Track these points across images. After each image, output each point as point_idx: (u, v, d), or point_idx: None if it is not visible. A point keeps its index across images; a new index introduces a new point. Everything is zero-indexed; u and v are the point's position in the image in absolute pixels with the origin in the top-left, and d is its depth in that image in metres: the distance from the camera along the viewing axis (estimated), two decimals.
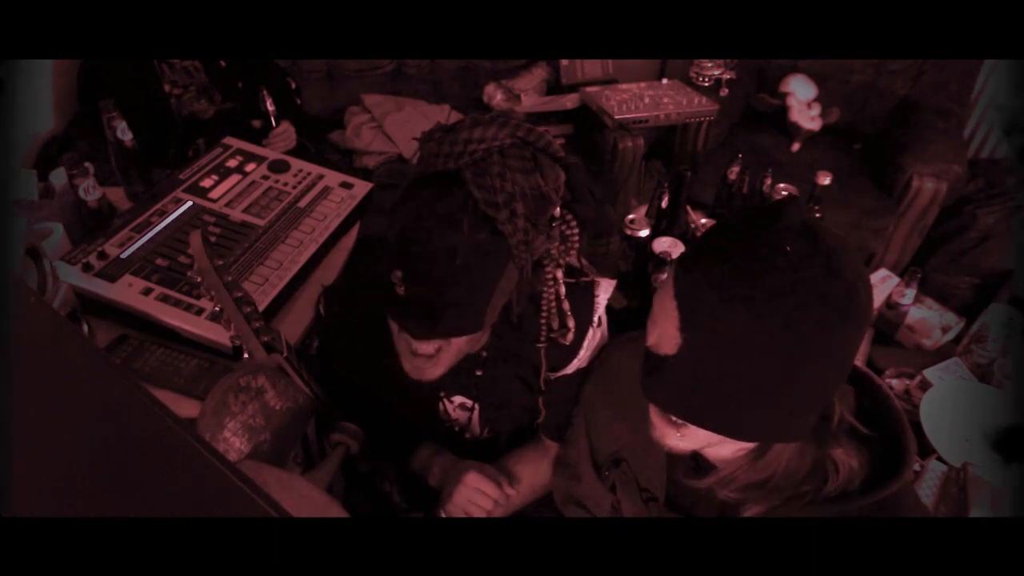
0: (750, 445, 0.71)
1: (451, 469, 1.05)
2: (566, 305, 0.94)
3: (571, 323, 0.94)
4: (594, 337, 1.04)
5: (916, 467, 1.32)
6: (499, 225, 0.80)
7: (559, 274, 0.92)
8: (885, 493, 0.68)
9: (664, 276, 1.27)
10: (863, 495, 0.69)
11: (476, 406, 1.08)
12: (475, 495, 1.01)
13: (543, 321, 0.94)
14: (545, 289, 0.91)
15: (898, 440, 0.71)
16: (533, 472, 1.11)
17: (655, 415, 0.74)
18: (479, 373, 1.03)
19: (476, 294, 0.84)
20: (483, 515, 1.01)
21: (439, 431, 1.11)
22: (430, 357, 0.91)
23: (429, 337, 0.87)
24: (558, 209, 0.86)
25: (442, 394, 1.07)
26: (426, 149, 0.83)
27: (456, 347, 0.91)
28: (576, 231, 0.89)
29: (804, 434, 0.67)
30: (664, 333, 0.65)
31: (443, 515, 1.04)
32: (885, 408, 0.73)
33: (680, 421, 0.70)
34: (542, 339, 0.95)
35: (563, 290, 0.93)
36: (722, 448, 0.74)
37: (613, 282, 1.05)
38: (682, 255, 0.67)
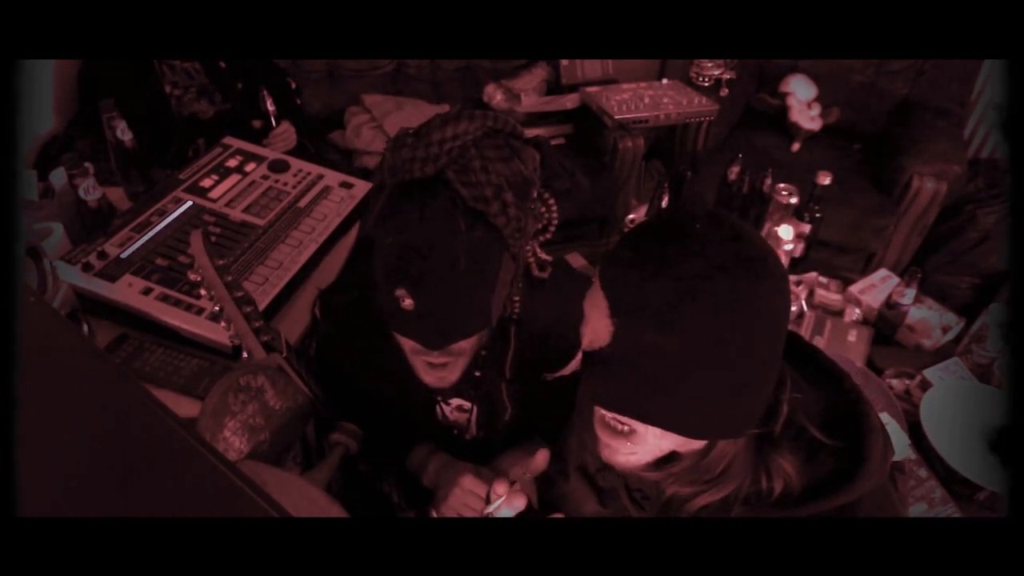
0: (696, 447, 0.72)
1: (445, 470, 1.04)
2: (541, 253, 0.95)
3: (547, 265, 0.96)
4: None
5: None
6: (491, 218, 0.80)
7: (536, 246, 0.93)
8: (831, 504, 0.68)
9: None
10: (804, 504, 0.69)
11: (474, 407, 1.08)
12: (469, 498, 1.01)
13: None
14: (527, 259, 0.93)
15: (859, 449, 0.69)
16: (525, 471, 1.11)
17: (602, 431, 0.75)
18: (478, 374, 1.03)
19: (482, 291, 0.84)
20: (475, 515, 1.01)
21: (437, 432, 1.11)
22: (446, 364, 0.91)
23: (445, 345, 0.87)
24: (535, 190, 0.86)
25: (439, 398, 1.07)
26: (399, 156, 0.81)
27: (470, 346, 0.91)
28: (555, 208, 0.89)
29: (746, 427, 0.68)
30: (597, 327, 0.67)
31: (435, 515, 1.03)
32: (853, 414, 0.72)
33: (627, 428, 0.71)
34: (516, 309, 0.96)
35: (542, 254, 0.95)
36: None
37: None
38: (606, 252, 0.73)
